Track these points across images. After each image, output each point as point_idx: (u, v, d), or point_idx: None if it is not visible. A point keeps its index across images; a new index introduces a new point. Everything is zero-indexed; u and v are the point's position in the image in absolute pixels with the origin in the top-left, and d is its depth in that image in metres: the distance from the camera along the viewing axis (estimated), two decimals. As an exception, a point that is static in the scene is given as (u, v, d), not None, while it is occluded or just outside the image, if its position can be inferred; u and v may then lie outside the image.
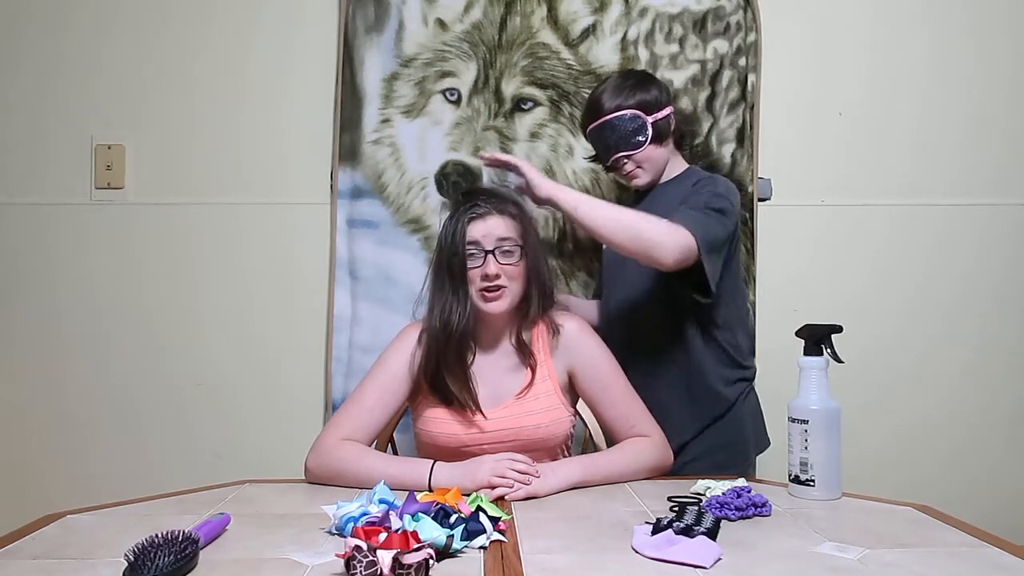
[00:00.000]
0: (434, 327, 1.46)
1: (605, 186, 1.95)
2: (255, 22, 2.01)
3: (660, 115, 1.65)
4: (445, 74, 1.97)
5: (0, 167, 2.01)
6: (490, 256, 1.43)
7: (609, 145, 1.66)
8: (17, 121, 2.01)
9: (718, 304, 1.59)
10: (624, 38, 1.97)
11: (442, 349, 1.44)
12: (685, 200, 1.57)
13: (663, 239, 1.44)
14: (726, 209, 1.54)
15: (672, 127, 1.68)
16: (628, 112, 1.63)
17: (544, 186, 1.52)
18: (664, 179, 1.70)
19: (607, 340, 1.55)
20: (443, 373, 1.45)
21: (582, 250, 1.95)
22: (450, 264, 1.45)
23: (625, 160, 1.66)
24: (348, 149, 1.97)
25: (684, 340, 1.63)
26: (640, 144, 1.63)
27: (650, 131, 1.63)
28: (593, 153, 1.76)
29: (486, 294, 1.44)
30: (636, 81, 1.68)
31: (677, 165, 1.72)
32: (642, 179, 1.68)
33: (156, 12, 2.01)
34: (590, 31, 1.97)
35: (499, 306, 1.45)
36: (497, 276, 1.43)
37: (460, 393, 1.44)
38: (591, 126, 1.68)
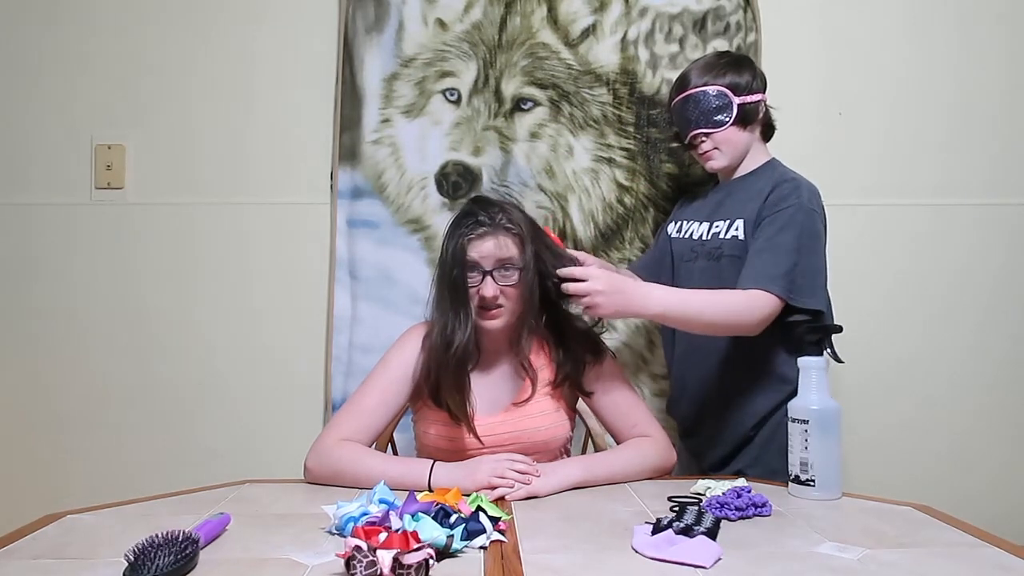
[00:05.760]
0: (436, 345, 1.44)
1: (605, 186, 1.95)
2: (255, 22, 2.01)
3: (749, 99, 1.59)
4: (445, 74, 1.97)
5: (0, 167, 2.01)
6: (488, 277, 1.41)
7: (690, 119, 1.61)
8: (17, 121, 2.00)
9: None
10: (624, 38, 1.97)
11: (443, 368, 1.43)
12: (758, 218, 1.52)
13: (742, 318, 1.44)
14: (796, 228, 1.48)
15: (760, 115, 1.62)
16: (715, 88, 1.58)
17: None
18: (744, 170, 1.64)
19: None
20: (442, 390, 1.44)
21: (582, 251, 1.95)
22: (450, 281, 1.43)
23: (704, 138, 1.61)
24: (348, 149, 1.97)
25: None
26: (721, 124, 1.58)
27: (735, 112, 1.57)
28: (676, 130, 1.71)
29: (483, 312, 1.43)
30: (730, 60, 1.63)
31: (760, 156, 1.65)
32: (718, 162, 1.62)
33: (157, 12, 2.01)
34: (590, 31, 1.97)
35: (497, 324, 1.44)
36: (495, 298, 1.41)
37: (457, 411, 1.42)
38: (676, 98, 1.64)
